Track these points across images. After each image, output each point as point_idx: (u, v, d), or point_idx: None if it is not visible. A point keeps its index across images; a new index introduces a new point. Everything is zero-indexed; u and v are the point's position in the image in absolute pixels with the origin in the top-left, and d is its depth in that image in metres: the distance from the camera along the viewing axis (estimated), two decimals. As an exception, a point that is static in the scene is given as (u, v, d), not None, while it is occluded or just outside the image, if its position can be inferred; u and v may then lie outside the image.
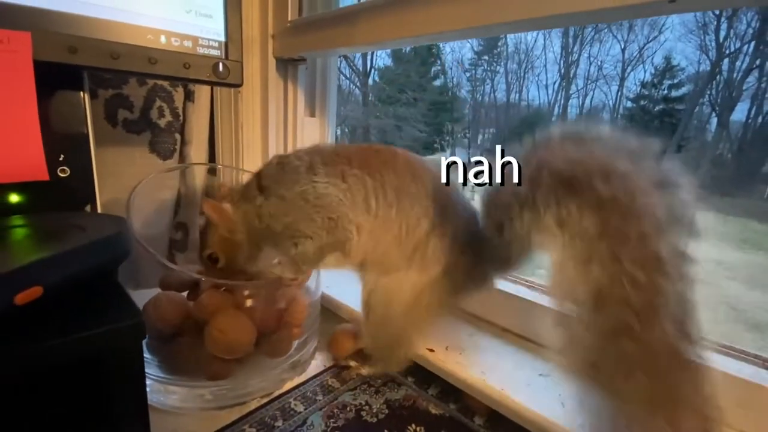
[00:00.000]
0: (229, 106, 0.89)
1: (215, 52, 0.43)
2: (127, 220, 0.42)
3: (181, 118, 0.84)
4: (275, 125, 0.87)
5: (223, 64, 0.43)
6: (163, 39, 0.39)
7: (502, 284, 0.60)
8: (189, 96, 0.84)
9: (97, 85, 0.73)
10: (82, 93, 0.43)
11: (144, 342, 0.45)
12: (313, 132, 0.92)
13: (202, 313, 0.43)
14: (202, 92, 0.89)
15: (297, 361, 0.50)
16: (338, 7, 0.79)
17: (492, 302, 0.52)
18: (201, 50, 0.42)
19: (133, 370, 0.33)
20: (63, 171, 0.42)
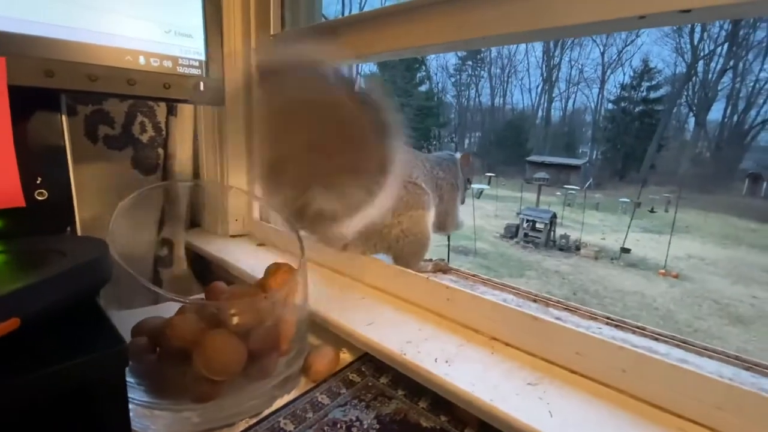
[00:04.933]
0: (212, 120, 0.88)
1: (196, 71, 0.43)
2: (108, 242, 0.41)
3: (164, 132, 0.84)
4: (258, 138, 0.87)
5: (204, 83, 0.43)
6: (142, 60, 0.39)
7: (489, 293, 0.61)
8: (171, 110, 0.84)
9: (76, 102, 0.72)
10: (59, 115, 0.42)
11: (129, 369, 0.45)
12: (298, 144, 0.92)
13: (175, 337, 0.42)
14: (185, 106, 0.88)
15: (286, 378, 0.49)
16: (319, 22, 0.79)
17: (479, 310, 0.53)
18: (181, 70, 0.41)
19: (116, 398, 0.32)
20: (41, 194, 0.41)
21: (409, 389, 0.51)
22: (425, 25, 0.57)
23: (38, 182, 0.41)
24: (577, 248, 10.38)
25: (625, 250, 9.94)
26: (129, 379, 0.44)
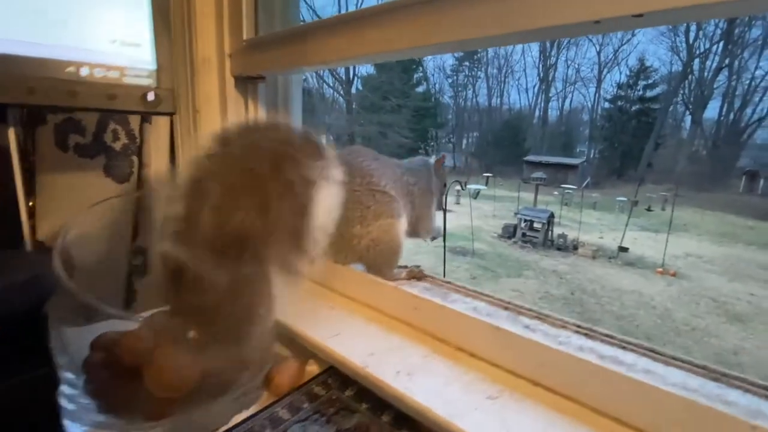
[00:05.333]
0: (188, 126, 0.87)
1: (146, 81, 0.42)
2: (56, 256, 0.40)
3: (138, 140, 0.82)
4: (236, 144, 0.86)
5: (155, 93, 0.42)
6: (85, 71, 0.38)
7: (460, 301, 0.60)
8: (146, 117, 0.82)
9: (47, 111, 0.71)
10: (11, 129, 0.41)
11: (83, 386, 0.44)
12: (276, 149, 0.91)
13: (125, 352, 0.41)
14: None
15: (246, 393, 0.48)
16: (291, 26, 0.78)
17: (445, 320, 0.52)
18: (129, 80, 0.41)
19: (50, 420, 0.31)
20: (-14, 209, 0.40)
21: (373, 403, 0.50)
22: (395, 29, 0.56)
23: (-18, 197, 0.40)
24: (575, 248, 10.37)
25: (623, 249, 9.94)
26: (83, 400, 0.43)
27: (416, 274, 0.68)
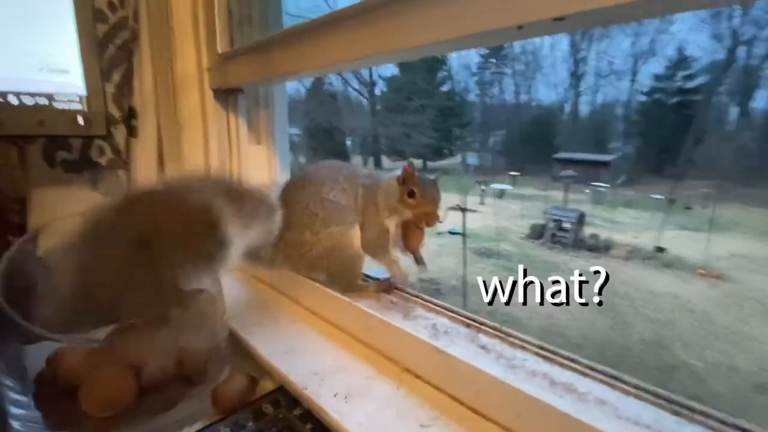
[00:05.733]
0: (173, 140, 0.89)
1: (76, 106, 0.43)
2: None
3: (123, 155, 0.85)
4: (217, 155, 0.87)
5: (84, 117, 0.43)
6: (13, 99, 0.39)
7: (422, 317, 0.58)
8: (132, 132, 0.85)
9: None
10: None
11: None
12: (258, 159, 0.92)
13: (63, 371, 0.42)
14: (147, 127, 0.90)
15: (192, 409, 0.48)
16: (256, 38, 0.78)
17: (392, 340, 0.50)
18: (59, 105, 0.42)
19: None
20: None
21: (318, 424, 0.49)
22: (355, 37, 0.54)
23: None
24: (607, 248, 9.93)
25: (660, 249, 9.41)
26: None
27: (385, 287, 0.66)
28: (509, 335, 0.53)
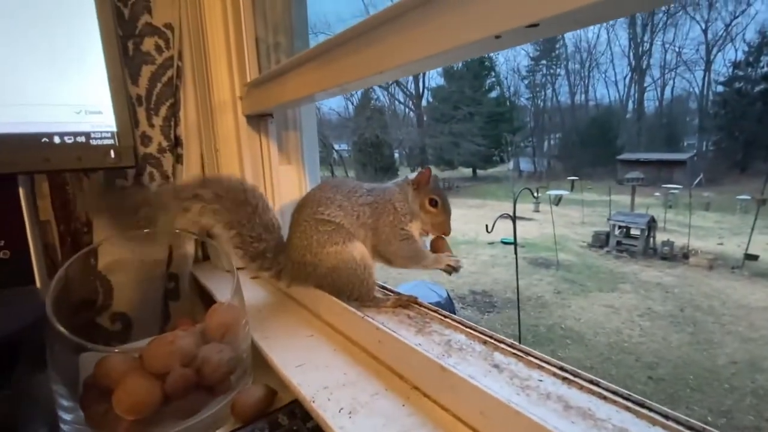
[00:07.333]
0: (211, 163, 0.97)
1: (109, 141, 0.49)
2: (43, 293, 0.48)
3: (171, 180, 0.94)
4: (251, 177, 0.93)
5: (115, 151, 0.49)
6: (57, 139, 0.46)
7: (438, 332, 0.57)
8: (178, 159, 0.94)
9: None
10: (21, 190, 0.51)
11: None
12: (289, 179, 0.97)
13: (100, 376, 0.47)
14: (191, 154, 0.99)
15: (213, 417, 0.51)
16: (274, 66, 0.83)
17: (403, 356, 0.50)
18: (94, 142, 0.48)
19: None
20: (4, 253, 0.50)
21: (324, 438, 0.49)
22: (357, 60, 0.56)
23: (1, 244, 0.49)
24: (685, 256, 8.95)
25: (751, 257, 8.28)
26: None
27: (403, 303, 0.66)
28: (528, 353, 0.50)
